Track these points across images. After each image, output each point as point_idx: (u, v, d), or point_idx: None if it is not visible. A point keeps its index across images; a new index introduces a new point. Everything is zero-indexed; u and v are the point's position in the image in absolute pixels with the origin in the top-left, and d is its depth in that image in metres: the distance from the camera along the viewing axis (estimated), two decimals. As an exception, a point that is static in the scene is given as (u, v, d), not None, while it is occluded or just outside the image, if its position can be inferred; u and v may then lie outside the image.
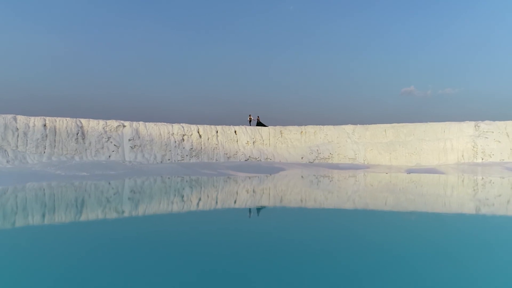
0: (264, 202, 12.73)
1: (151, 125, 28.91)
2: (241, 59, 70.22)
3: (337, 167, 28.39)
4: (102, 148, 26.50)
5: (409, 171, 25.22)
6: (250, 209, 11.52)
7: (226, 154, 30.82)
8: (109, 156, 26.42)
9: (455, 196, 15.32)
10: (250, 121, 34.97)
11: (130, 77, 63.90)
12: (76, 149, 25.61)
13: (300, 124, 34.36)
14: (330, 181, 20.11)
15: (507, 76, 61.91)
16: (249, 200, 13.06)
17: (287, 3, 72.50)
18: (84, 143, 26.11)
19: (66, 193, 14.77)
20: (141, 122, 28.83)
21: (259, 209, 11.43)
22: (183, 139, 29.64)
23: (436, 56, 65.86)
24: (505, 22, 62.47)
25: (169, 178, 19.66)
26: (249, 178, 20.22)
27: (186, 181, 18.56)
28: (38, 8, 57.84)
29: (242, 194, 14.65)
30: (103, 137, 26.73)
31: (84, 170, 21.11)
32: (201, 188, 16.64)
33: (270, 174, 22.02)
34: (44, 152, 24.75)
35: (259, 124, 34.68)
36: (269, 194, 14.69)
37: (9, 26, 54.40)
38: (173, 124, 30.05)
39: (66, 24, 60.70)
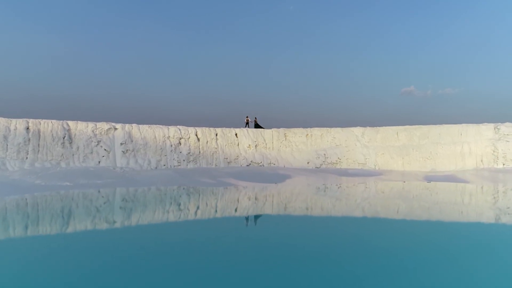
0: (273, 233, 10.50)
1: (145, 128, 26.68)
2: (241, 59, 70.16)
3: (346, 173, 26.16)
4: (91, 153, 24.28)
5: (428, 178, 22.98)
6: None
7: (226, 158, 28.60)
8: (99, 162, 24.20)
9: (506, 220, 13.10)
10: (247, 123, 32.75)
11: (130, 77, 63.79)
12: (62, 155, 23.39)
13: (303, 125, 32.14)
14: (345, 195, 17.90)
15: (507, 76, 61.88)
16: (255, 231, 10.85)
17: (287, 3, 72.49)
18: (71, 148, 23.88)
19: (32, 213, 12.54)
20: (134, 125, 26.61)
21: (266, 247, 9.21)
22: (179, 143, 27.43)
23: (436, 56, 66.06)
24: (505, 22, 62.48)
25: (161, 190, 17.39)
26: (253, 189, 17.99)
27: (181, 196, 16.25)
28: (38, 8, 57.72)
29: (245, 213, 12.44)
30: (92, 141, 24.51)
31: (67, 179, 18.88)
32: (197, 207, 14.44)
33: (276, 183, 19.80)
34: (27, 158, 22.54)
35: (256, 126, 32.47)
36: (279, 220, 12.38)
37: (9, 26, 54.20)
38: (169, 127, 27.83)
39: (66, 24, 60.60)
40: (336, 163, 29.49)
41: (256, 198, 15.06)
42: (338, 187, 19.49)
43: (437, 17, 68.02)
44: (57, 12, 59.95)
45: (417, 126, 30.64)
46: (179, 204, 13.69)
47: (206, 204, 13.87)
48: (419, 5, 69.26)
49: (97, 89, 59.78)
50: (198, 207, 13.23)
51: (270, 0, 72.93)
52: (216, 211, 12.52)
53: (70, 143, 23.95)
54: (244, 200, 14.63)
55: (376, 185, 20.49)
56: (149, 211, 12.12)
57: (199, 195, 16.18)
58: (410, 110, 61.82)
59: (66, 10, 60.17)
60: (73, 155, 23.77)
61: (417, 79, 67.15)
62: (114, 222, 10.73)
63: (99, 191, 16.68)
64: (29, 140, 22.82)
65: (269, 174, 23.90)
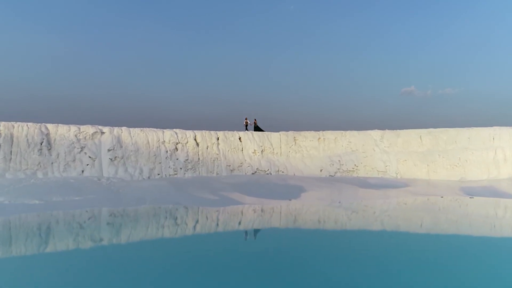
0: None
1: (136, 132, 23.42)
2: (241, 59, 70.42)
3: (366, 184, 22.90)
4: (74, 161, 21.03)
5: (465, 191, 19.69)
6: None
7: (229, 166, 25.36)
8: (82, 171, 20.96)
9: None
10: (246, 125, 29.69)
11: (130, 77, 63.89)
12: (39, 163, 20.15)
13: (313, 127, 29.00)
14: (380, 220, 14.64)
15: (507, 76, 61.80)
16: None
17: (287, 3, 72.44)
18: (50, 155, 20.63)
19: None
20: (124, 128, 23.36)
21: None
22: (176, 148, 24.18)
23: (436, 56, 66.11)
24: (505, 22, 62.50)
25: (148, 215, 14.06)
26: (266, 212, 14.70)
27: (173, 226, 12.82)
28: (38, 8, 57.76)
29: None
30: (75, 147, 21.26)
31: (38, 195, 15.64)
32: (194, 257, 11.12)
33: (289, 200, 16.53)
34: (-4, 167, 19.30)
35: (256, 128, 29.33)
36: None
37: (9, 26, 54.08)
38: (164, 130, 24.57)
39: (66, 24, 60.69)
40: (353, 170, 26.23)
41: (275, 240, 10.58)
42: (369, 208, 16.22)
43: (437, 17, 68.64)
44: (57, 12, 60.36)
45: (442, 129, 27.37)
46: (168, 249, 9.75)
47: (207, 253, 9.72)
48: (419, 5, 69.95)
49: (97, 89, 60.04)
50: (194, 257, 9.11)
51: (270, 0, 73.50)
52: (222, 263, 8.35)
53: (49, 149, 20.71)
54: (261, 243, 10.39)
55: (411, 201, 17.24)
56: (122, 264, 8.34)
57: (197, 223, 12.81)
58: (410, 110, 62.17)
59: (66, 10, 60.58)
60: (52, 163, 20.52)
61: (417, 79, 67.58)
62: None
63: (71, 214, 13.44)
64: (-1, 146, 19.60)
65: (279, 186, 20.65)
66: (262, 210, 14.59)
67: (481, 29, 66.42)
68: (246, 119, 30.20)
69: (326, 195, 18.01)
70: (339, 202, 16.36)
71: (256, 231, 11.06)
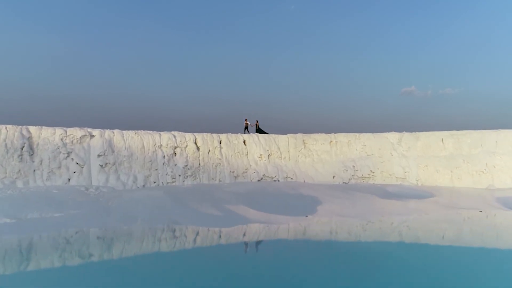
0: None
1: (130, 134, 21.11)
2: (241, 59, 70.41)
3: (386, 193, 20.57)
4: (59, 167, 18.73)
5: (502, 202, 17.34)
6: None
7: (233, 172, 23.04)
8: (68, 180, 18.67)
9: None
10: (246, 127, 27.32)
11: (130, 77, 63.69)
12: (19, 171, 17.86)
13: (324, 130, 26.72)
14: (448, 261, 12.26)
15: (507, 76, 61.66)
16: None
17: (288, 3, 72.25)
18: (33, 162, 18.34)
19: None
20: (116, 130, 21.05)
21: None
22: (174, 153, 21.88)
23: (436, 56, 66.05)
24: (505, 22, 62.52)
25: (136, 241, 11.70)
26: (275, 234, 12.37)
27: (162, 263, 10.34)
28: (38, 8, 57.84)
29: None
30: (60, 153, 18.97)
31: (11, 211, 13.34)
32: None
33: (306, 217, 14.19)
34: (-30, 176, 17.04)
35: (258, 130, 26.98)
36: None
37: (9, 26, 54.03)
38: (161, 133, 22.27)
39: (66, 24, 60.70)
40: (368, 177, 23.91)
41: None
42: (397, 229, 13.90)
43: (437, 17, 68.65)
44: (57, 12, 60.43)
45: (466, 131, 25.03)
46: None
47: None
48: (419, 5, 70.00)
49: (97, 89, 59.78)
50: None
51: (270, 0, 73.42)
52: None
53: (31, 155, 18.41)
54: None
55: (444, 216, 14.88)
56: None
57: (196, 262, 10.35)
58: (410, 110, 62.08)
59: (66, 10, 60.58)
60: (34, 171, 18.23)
61: (418, 79, 67.53)
62: None
63: (38, 240, 11.14)
64: (-27, 152, 17.33)
65: (289, 197, 18.34)
66: (275, 233, 12.23)
67: (481, 29, 66.75)
68: (246, 120, 27.85)
69: (345, 208, 15.66)
70: (368, 223, 13.95)
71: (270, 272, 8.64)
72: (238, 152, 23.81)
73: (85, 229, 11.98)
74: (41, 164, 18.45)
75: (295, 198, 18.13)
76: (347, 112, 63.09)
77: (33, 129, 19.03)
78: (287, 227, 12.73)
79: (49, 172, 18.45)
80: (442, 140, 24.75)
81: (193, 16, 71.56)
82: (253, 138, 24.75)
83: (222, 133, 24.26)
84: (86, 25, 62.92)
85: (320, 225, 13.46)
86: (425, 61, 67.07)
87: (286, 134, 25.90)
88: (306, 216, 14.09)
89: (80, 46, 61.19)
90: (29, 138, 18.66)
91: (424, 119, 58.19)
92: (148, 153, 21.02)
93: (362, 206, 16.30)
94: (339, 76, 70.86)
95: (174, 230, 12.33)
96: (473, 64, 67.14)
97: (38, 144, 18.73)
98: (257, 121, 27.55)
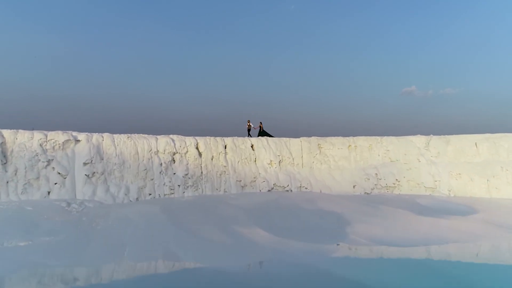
0: None
1: (122, 139, 18.34)
2: (241, 59, 69.55)
3: (418, 206, 17.75)
4: (37, 178, 15.97)
5: None
6: None
7: (240, 181, 20.28)
8: (48, 193, 15.91)
9: None
10: (249, 129, 24.78)
11: (130, 77, 62.81)
12: (-12, 183, 15.10)
13: (341, 133, 23.96)
14: None
15: (507, 76, 60.97)
16: None
17: (288, 3, 71.40)
18: (6, 172, 15.59)
19: None
20: (105, 134, 18.27)
21: None
22: (173, 160, 19.12)
23: (436, 56, 65.35)
24: (505, 22, 61.96)
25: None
26: (304, 282, 9.56)
27: None
28: (38, 8, 57.00)
29: None
30: (39, 161, 16.20)
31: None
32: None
33: (337, 245, 11.36)
34: None
35: (262, 133, 24.29)
36: None
37: (9, 26, 53.24)
38: (158, 137, 19.50)
39: (66, 24, 59.87)
40: (394, 186, 21.11)
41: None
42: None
43: (437, 17, 67.95)
44: (57, 12, 59.63)
45: (503, 134, 22.20)
46: None
47: None
48: (419, 5, 69.32)
49: (97, 89, 58.94)
50: None
51: (270, 0, 72.62)
52: None
53: (4, 164, 15.66)
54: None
55: (509, 243, 12.06)
56: None
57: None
58: (411, 110, 61.76)
59: (66, 10, 59.78)
60: (7, 182, 15.47)
61: (418, 79, 66.90)
62: None
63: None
64: None
65: (307, 213, 15.54)
66: (306, 279, 9.41)
67: (481, 29, 66.07)
68: (248, 121, 25.23)
69: (383, 230, 12.83)
70: (428, 254, 11.11)
71: None
72: (246, 158, 21.04)
73: (47, 270, 9.15)
74: (15, 174, 15.68)
75: (314, 215, 15.33)
76: (348, 112, 62.72)
77: (6, 132, 16.26)
78: (317, 266, 9.76)
79: (25, 184, 15.69)
80: (476, 144, 21.94)
81: (193, 16, 71.39)
82: (262, 142, 21.96)
83: (224, 133, 21.70)
84: (86, 25, 62.70)
85: (367, 263, 10.59)
86: (426, 61, 67.02)
87: (291, 136, 23.11)
88: (338, 245, 11.29)
89: (80, 46, 60.96)
90: (2, 143, 15.90)
91: (424, 119, 57.72)
92: (143, 160, 18.25)
93: (402, 227, 13.49)
94: (339, 76, 70.80)
95: (169, 272, 9.48)
96: (473, 64, 67.13)
97: (12, 150, 15.97)
98: (260, 123, 24.84)
